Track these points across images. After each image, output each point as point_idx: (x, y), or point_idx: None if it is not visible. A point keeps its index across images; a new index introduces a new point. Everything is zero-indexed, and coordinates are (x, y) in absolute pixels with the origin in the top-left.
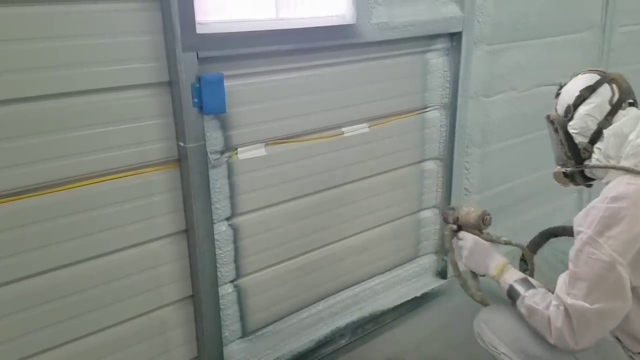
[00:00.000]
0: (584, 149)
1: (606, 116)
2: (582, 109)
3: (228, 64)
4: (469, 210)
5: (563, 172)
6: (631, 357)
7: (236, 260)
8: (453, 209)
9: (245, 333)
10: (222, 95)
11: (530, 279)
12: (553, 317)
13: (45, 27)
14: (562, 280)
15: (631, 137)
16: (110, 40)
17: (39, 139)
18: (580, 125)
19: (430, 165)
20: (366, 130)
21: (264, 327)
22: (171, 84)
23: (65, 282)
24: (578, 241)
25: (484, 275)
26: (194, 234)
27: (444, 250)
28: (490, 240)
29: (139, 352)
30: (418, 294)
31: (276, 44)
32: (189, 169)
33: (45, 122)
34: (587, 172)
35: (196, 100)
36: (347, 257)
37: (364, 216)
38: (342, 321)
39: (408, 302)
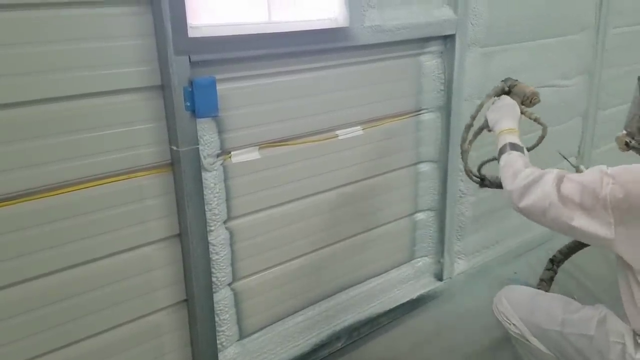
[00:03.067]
0: None
1: None
2: None
3: (220, 68)
4: (526, 85)
5: (626, 141)
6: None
7: (232, 263)
8: (514, 78)
9: (240, 337)
10: (214, 99)
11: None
12: (523, 174)
13: (37, 31)
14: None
15: None
16: (102, 45)
17: (30, 143)
18: None
19: (425, 167)
20: (360, 133)
21: (259, 330)
22: (163, 88)
23: (57, 286)
24: (597, 167)
25: (490, 130)
26: (188, 238)
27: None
28: (524, 113)
29: (133, 357)
30: (414, 297)
31: (269, 48)
32: (182, 172)
33: (37, 127)
34: None
35: (188, 104)
36: (343, 259)
37: (359, 218)
38: (338, 324)
39: (404, 304)
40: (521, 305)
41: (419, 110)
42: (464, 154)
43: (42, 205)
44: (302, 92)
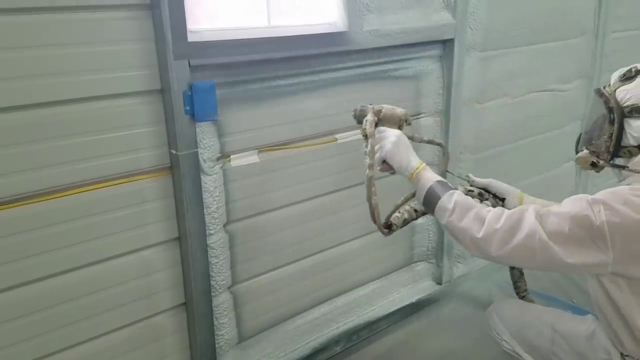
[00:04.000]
0: (629, 151)
1: None
2: None
3: (220, 72)
4: (393, 107)
5: (593, 161)
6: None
7: (231, 267)
8: (371, 104)
9: (239, 341)
10: (213, 103)
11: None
12: (493, 217)
13: (37, 35)
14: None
15: None
16: (102, 49)
17: (31, 147)
18: None
19: None
20: (359, 136)
21: (258, 334)
22: (163, 92)
23: (57, 290)
24: (578, 197)
25: (393, 173)
26: (187, 241)
27: (365, 137)
28: (411, 138)
29: None
30: (413, 300)
31: (268, 52)
32: (182, 176)
33: (37, 130)
34: (613, 169)
35: (188, 107)
36: (342, 263)
37: (358, 222)
38: (337, 328)
39: (403, 308)
40: (511, 321)
41: (418, 115)
42: (374, 209)
43: (42, 208)
44: (301, 96)
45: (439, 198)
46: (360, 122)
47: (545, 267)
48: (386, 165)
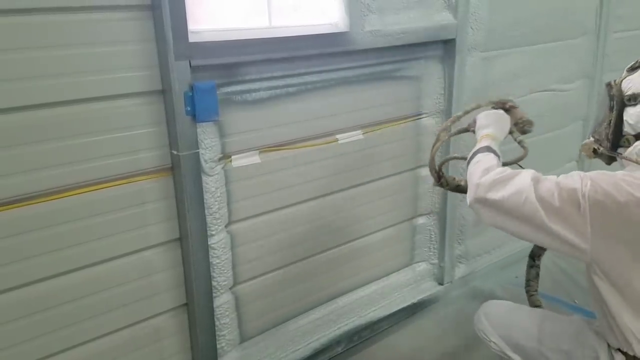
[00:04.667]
0: (627, 139)
1: None
2: None
3: (221, 72)
4: (525, 112)
5: (594, 148)
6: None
7: (233, 267)
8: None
9: (240, 341)
10: (214, 103)
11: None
12: (497, 169)
13: (38, 36)
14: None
15: None
16: (103, 49)
17: (32, 148)
18: (638, 117)
19: (425, 171)
20: (360, 137)
21: (260, 334)
22: (164, 93)
23: (58, 291)
24: (574, 172)
25: (473, 131)
26: (188, 242)
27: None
28: (511, 133)
29: None
30: (415, 301)
31: (269, 52)
32: (183, 176)
33: (38, 131)
34: (614, 158)
35: (189, 108)
36: (343, 263)
37: (360, 223)
38: (338, 328)
39: (404, 308)
40: (499, 323)
41: (419, 115)
42: (437, 142)
43: (43, 209)
44: (303, 97)
45: (479, 152)
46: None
47: (523, 226)
48: (473, 123)
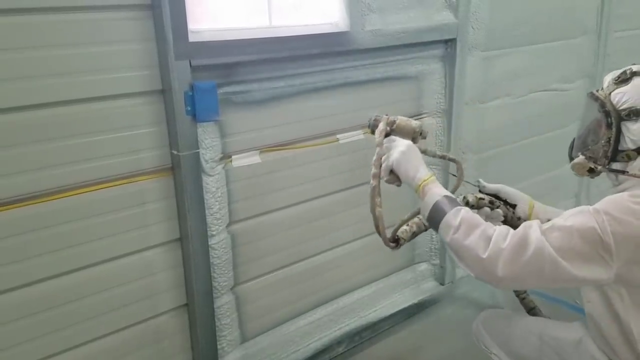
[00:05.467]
0: (627, 154)
1: None
2: None
3: (221, 72)
4: (408, 119)
5: (591, 167)
6: None
7: (234, 267)
8: (387, 114)
9: (241, 341)
10: (215, 103)
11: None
12: (499, 236)
13: (38, 36)
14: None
15: None
16: (103, 49)
17: (32, 147)
18: None
19: None
20: (361, 137)
21: (261, 335)
22: (164, 92)
23: (59, 291)
24: (580, 209)
25: (399, 185)
26: (188, 242)
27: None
28: (424, 152)
29: None
30: (415, 301)
31: (269, 52)
32: (183, 177)
33: (38, 131)
34: (610, 174)
35: (189, 108)
36: (345, 264)
37: (361, 223)
38: (339, 328)
39: (405, 309)
40: (498, 333)
41: (420, 114)
42: (379, 221)
43: (43, 209)
44: (303, 96)
45: (445, 213)
46: (374, 131)
47: (553, 283)
48: (393, 175)
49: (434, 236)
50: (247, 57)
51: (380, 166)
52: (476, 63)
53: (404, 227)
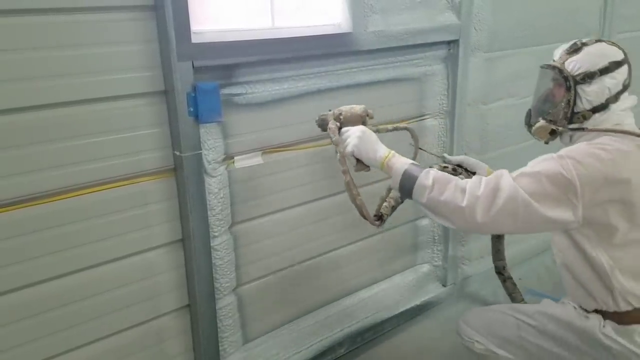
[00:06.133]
0: (582, 115)
1: (616, 94)
2: (607, 81)
3: (223, 73)
4: (351, 106)
5: (552, 129)
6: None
7: (236, 268)
8: (330, 110)
9: (243, 342)
10: (217, 104)
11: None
12: (473, 186)
13: (41, 37)
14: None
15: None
16: (106, 50)
17: (34, 148)
18: (596, 94)
19: None
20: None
21: (263, 336)
22: (167, 93)
23: (61, 291)
24: (545, 157)
25: (369, 169)
26: (190, 243)
27: (335, 146)
28: (377, 131)
29: None
30: (418, 302)
31: (272, 53)
32: (185, 178)
33: (41, 132)
34: (566, 133)
35: (192, 109)
36: (347, 264)
37: (364, 223)
38: (341, 330)
39: (408, 310)
40: (478, 323)
41: (423, 116)
42: (362, 207)
43: (45, 210)
44: (306, 97)
45: (416, 178)
46: (325, 130)
47: (527, 226)
48: (360, 163)
49: (436, 237)
50: (250, 58)
51: (345, 162)
52: (479, 64)
53: (384, 203)
